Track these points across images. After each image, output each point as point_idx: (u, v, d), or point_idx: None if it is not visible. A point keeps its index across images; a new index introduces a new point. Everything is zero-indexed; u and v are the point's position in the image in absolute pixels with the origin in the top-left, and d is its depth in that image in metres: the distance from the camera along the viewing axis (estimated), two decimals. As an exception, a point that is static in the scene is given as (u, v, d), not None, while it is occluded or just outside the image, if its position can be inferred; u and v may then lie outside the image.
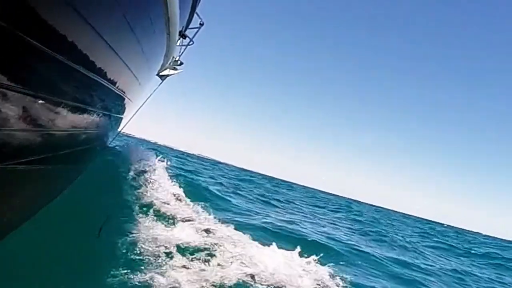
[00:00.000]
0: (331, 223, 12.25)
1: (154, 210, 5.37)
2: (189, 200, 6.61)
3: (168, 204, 5.84)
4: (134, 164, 6.96)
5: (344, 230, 11.31)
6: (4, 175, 2.05)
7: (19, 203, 2.69)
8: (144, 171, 6.84)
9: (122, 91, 3.68)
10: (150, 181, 6.52)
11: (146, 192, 6.05)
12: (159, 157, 8.23)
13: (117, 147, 8.24)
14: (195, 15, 5.64)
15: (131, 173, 6.59)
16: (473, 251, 16.05)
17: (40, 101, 1.95)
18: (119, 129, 6.41)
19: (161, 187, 6.53)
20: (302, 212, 13.40)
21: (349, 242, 8.66)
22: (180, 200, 6.39)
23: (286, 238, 6.70)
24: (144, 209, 5.39)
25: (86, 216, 4.36)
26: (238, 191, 13.67)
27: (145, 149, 10.16)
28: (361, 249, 8.09)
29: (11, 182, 2.24)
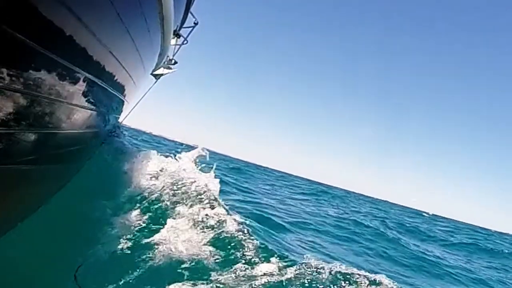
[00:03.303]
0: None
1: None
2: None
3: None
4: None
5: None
6: (1, 175, 2.05)
7: (16, 203, 2.68)
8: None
9: (117, 90, 3.67)
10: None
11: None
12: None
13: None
14: (189, 14, 5.65)
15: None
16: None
17: (35, 101, 1.94)
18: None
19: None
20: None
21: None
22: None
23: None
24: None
25: (80, 216, 4.34)
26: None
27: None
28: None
29: (8, 182, 2.23)
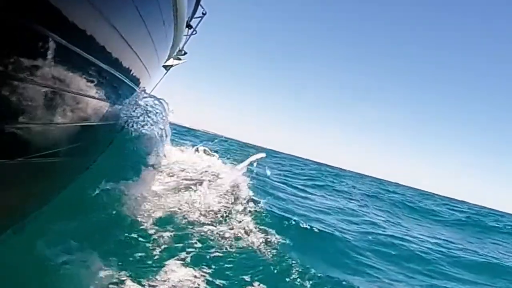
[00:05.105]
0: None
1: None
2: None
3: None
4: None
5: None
6: (15, 169, 2.04)
7: (28, 197, 2.62)
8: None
9: (133, 82, 3.73)
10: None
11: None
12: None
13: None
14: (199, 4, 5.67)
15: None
16: None
17: (52, 94, 1.93)
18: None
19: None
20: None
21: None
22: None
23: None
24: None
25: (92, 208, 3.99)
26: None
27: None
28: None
29: (23, 175, 2.22)
